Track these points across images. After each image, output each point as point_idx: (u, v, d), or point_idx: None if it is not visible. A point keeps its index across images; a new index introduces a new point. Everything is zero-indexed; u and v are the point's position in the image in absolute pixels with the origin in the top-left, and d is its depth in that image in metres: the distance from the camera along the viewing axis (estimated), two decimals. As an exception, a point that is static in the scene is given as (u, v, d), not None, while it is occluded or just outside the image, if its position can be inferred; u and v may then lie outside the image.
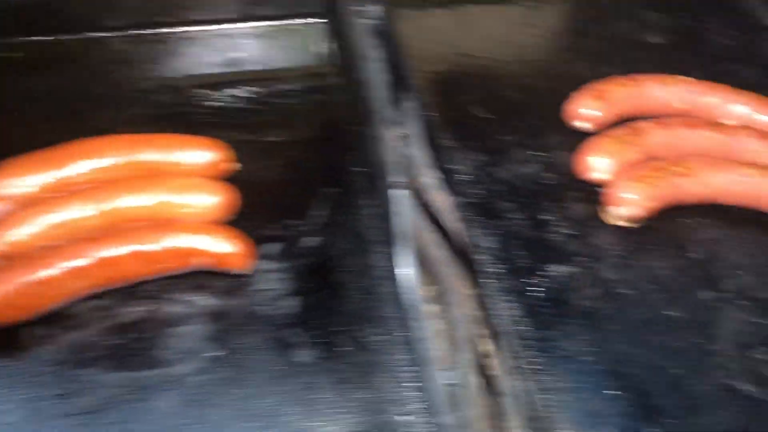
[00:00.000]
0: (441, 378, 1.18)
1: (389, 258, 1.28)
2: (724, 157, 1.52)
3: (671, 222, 1.47)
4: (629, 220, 1.44)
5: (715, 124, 1.53)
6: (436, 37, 1.81)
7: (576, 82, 1.72)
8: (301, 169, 1.48)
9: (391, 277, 1.26)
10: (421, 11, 1.88)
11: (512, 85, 1.72)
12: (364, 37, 1.84)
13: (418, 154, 1.59)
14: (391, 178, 1.35)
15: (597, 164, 1.47)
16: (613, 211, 1.44)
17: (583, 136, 1.59)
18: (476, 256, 1.37)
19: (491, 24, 1.88)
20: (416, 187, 1.49)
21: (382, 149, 1.42)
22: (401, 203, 1.33)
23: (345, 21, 1.70)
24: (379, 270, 1.28)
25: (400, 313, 1.22)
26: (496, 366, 1.27)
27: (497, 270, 1.35)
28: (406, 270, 1.27)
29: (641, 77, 1.61)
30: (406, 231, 1.30)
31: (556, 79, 1.73)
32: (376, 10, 1.87)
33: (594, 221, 1.46)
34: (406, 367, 1.16)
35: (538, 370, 1.22)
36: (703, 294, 1.36)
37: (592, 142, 1.50)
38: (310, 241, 1.33)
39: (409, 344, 1.19)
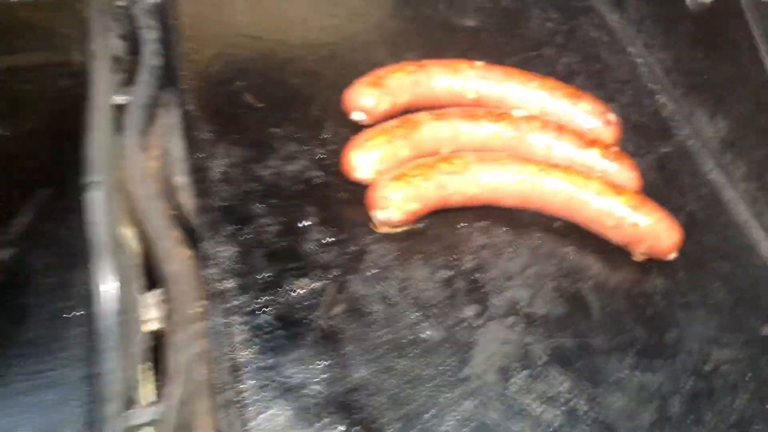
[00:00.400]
0: (133, 417, 1.00)
1: (91, 274, 1.09)
2: (512, 153, 1.38)
3: (444, 227, 1.33)
4: (392, 225, 1.28)
5: (502, 116, 1.38)
6: (221, 17, 1.61)
7: (369, 69, 1.56)
8: (17, 167, 1.28)
9: (88, 298, 1.06)
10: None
11: (296, 70, 1.53)
12: (141, 17, 1.63)
13: (175, 149, 1.40)
14: (93, 177, 1.15)
15: (360, 162, 1.30)
16: (375, 215, 1.28)
17: (361, 129, 1.44)
18: (207, 270, 1.19)
19: (288, 2, 1.69)
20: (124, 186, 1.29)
21: (93, 143, 1.22)
22: (100, 208, 1.13)
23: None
24: (75, 289, 1.09)
25: (91, 342, 1.03)
26: (211, 398, 1.10)
27: (227, 286, 1.17)
28: (106, 288, 1.08)
29: (429, 62, 1.45)
30: (106, 241, 1.11)
31: (349, 65, 1.55)
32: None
33: (358, 227, 1.30)
34: (83, 407, 0.98)
35: (253, 403, 1.05)
36: (467, 311, 1.22)
37: (358, 137, 1.34)
38: (2, 254, 1.13)
39: (93, 381, 1.00)
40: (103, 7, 1.54)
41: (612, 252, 1.32)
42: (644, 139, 1.53)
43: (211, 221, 1.27)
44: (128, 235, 1.32)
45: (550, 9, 1.78)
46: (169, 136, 1.45)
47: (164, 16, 1.59)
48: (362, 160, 1.30)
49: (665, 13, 1.63)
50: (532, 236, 1.32)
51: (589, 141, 1.37)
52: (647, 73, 1.66)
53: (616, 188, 1.29)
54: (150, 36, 1.60)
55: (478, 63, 1.45)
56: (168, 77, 1.50)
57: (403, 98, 1.42)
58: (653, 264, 1.32)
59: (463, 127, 1.35)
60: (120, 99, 1.47)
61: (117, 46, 1.57)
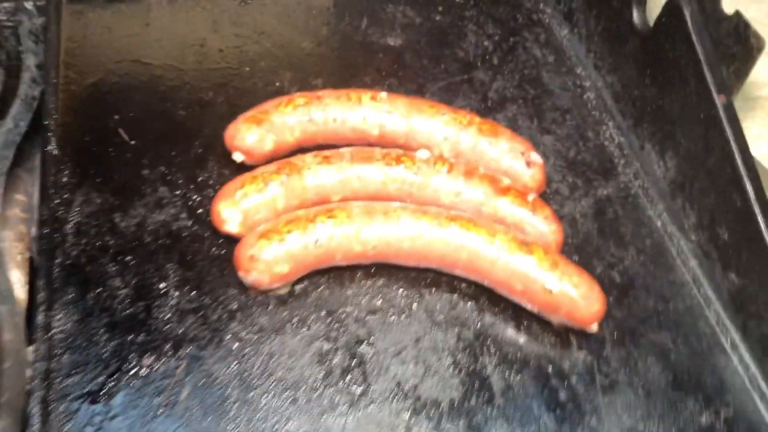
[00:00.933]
0: None
1: None
2: (412, 201, 1.18)
3: (329, 288, 1.12)
4: (262, 289, 1.10)
5: (402, 158, 1.17)
6: (109, 39, 1.43)
7: (267, 98, 1.37)
8: None
9: None
10: (99, 7, 1.50)
11: (184, 101, 1.35)
12: (25, 39, 1.47)
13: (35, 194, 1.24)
14: None
15: (228, 214, 1.12)
16: (242, 277, 1.09)
17: (244, 171, 1.25)
18: (37, 343, 1.02)
19: (187, 22, 1.51)
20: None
21: None
22: None
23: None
24: None
25: None
26: None
27: (58, 363, 1.00)
28: None
29: (326, 93, 1.25)
30: None
31: (244, 94, 1.37)
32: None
33: (225, 291, 1.11)
34: None
35: None
36: (343, 395, 1.02)
37: (229, 184, 1.15)
38: None
39: None
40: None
41: (526, 319, 1.12)
42: (582, 178, 1.32)
43: (50, 283, 1.10)
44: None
45: (489, 23, 1.56)
46: (33, 179, 1.30)
47: (46, 38, 1.43)
48: (231, 212, 1.11)
49: (614, 29, 1.41)
50: (432, 299, 1.13)
51: (503, 188, 1.16)
52: (593, 99, 1.44)
53: (528, 245, 1.09)
54: (30, 62, 1.44)
55: (383, 94, 1.25)
56: (40, 114, 1.34)
57: (292, 136, 1.23)
58: (575, 334, 1.12)
59: (355, 171, 1.16)
60: (-18, 135, 1.32)
61: (-8, 73, 1.42)
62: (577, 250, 1.21)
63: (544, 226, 1.14)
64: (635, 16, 1.31)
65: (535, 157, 1.22)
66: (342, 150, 1.19)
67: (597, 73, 1.45)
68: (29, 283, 1.33)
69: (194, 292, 1.11)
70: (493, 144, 1.22)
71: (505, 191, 1.16)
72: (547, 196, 1.27)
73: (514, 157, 1.21)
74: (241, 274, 1.08)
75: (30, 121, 1.39)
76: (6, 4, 1.53)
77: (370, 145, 1.26)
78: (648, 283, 1.19)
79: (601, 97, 1.43)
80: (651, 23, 1.29)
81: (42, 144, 1.25)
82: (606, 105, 1.42)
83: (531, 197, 1.16)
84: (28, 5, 1.53)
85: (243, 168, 1.25)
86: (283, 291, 1.11)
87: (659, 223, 1.26)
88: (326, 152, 1.19)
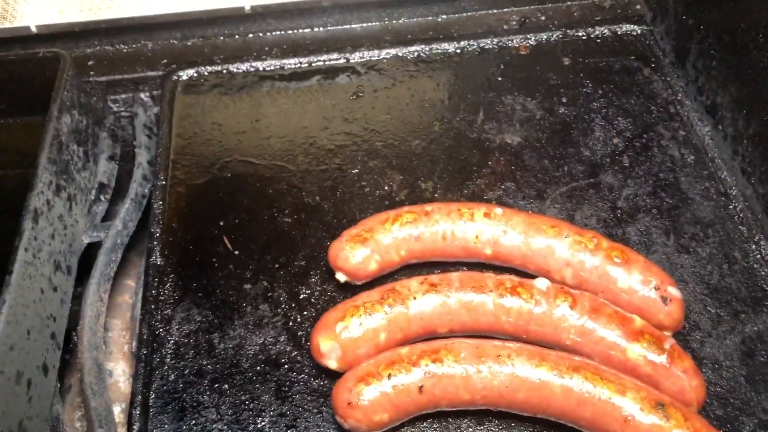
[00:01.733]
0: None
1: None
2: (527, 340, 1.06)
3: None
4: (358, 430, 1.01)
5: (518, 288, 1.06)
6: (219, 136, 1.41)
7: (375, 203, 1.31)
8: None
9: None
10: (211, 99, 1.48)
11: (290, 206, 1.29)
12: (139, 133, 1.47)
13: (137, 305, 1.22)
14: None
15: (327, 348, 1.04)
16: (340, 422, 1.01)
17: (351, 288, 1.18)
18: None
19: (296, 118, 1.47)
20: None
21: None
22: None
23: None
24: None
25: None
26: None
27: None
28: None
29: (435, 207, 1.16)
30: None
31: (352, 198, 1.30)
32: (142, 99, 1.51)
33: (320, 430, 1.04)
34: None
35: None
36: None
37: (329, 314, 1.08)
38: None
39: None
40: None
41: (660, 487, 0.97)
42: (727, 310, 1.14)
43: (145, 412, 1.07)
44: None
45: (620, 117, 1.41)
46: (137, 287, 1.28)
47: (159, 135, 1.42)
48: (330, 347, 1.04)
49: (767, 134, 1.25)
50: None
51: (635, 330, 1.02)
52: (741, 211, 1.26)
53: (664, 405, 0.93)
54: (143, 158, 1.45)
55: (497, 210, 1.14)
56: (148, 212, 1.33)
57: (398, 255, 1.14)
58: None
59: (464, 301, 1.06)
60: (92, 238, 1.33)
61: (106, 170, 1.43)
62: (721, 403, 1.05)
63: (683, 380, 0.99)
64: (796, 124, 1.14)
65: (674, 291, 1.07)
66: (451, 276, 1.09)
67: (745, 180, 1.28)
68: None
69: (290, 430, 1.04)
70: (624, 273, 1.08)
71: (638, 335, 1.01)
72: (685, 331, 1.12)
73: (648, 290, 1.07)
74: (338, 419, 1.00)
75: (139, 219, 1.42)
76: (123, 95, 1.56)
77: (483, 265, 1.17)
78: (809, 449, 1.01)
79: (751, 209, 1.25)
80: (815, 133, 1.12)
81: (146, 253, 1.24)
82: (757, 219, 1.24)
83: (668, 344, 1.01)
84: (144, 96, 1.56)
85: (346, 286, 1.18)
86: (384, 433, 1.03)
87: (823, 371, 1.08)
88: (433, 278, 1.09)
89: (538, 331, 1.06)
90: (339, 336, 1.04)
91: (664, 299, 1.06)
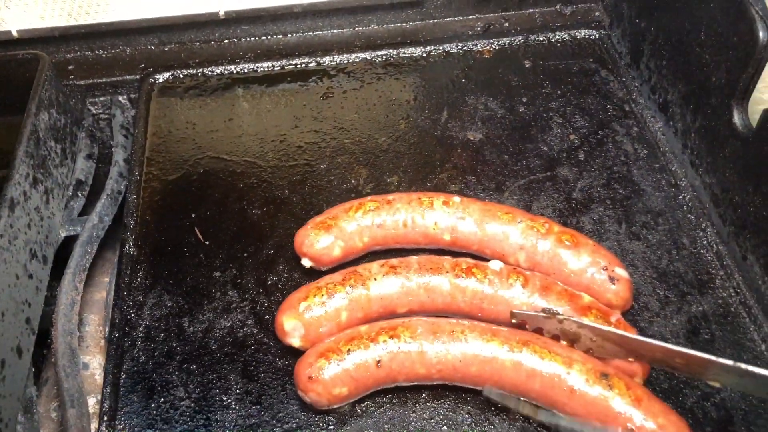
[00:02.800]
0: None
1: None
2: (481, 318, 1.11)
3: (392, 407, 1.08)
4: (322, 407, 1.05)
5: (473, 269, 1.11)
6: (193, 134, 1.46)
7: (341, 196, 1.36)
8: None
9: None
10: (186, 100, 1.54)
11: (260, 199, 1.35)
12: (117, 133, 1.53)
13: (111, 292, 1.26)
14: None
15: (291, 327, 1.09)
16: (301, 395, 1.06)
17: (315, 274, 1.23)
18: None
19: (269, 118, 1.53)
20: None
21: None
22: None
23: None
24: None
25: None
26: None
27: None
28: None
29: (397, 197, 1.21)
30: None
31: (319, 191, 1.36)
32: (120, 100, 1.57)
33: (285, 406, 1.08)
34: None
35: None
36: None
37: (293, 295, 1.12)
38: None
39: None
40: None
41: (607, 455, 1.02)
42: (675, 292, 1.20)
43: (115, 391, 1.11)
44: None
45: (577, 115, 1.48)
46: (111, 277, 1.33)
47: (135, 133, 1.48)
48: (293, 325, 1.09)
49: (713, 127, 1.30)
50: (502, 428, 1.04)
51: (583, 306, 1.07)
52: (689, 201, 1.33)
53: (608, 376, 0.99)
54: (119, 156, 1.50)
55: (456, 198, 1.20)
56: (123, 206, 1.38)
57: (361, 242, 1.20)
58: (663, 476, 1.00)
59: (422, 282, 1.11)
60: (69, 231, 1.37)
61: (83, 168, 1.48)
62: (667, 378, 1.10)
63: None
64: (736, 117, 1.21)
65: (621, 272, 1.12)
66: (410, 259, 1.14)
67: (694, 172, 1.34)
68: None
69: (255, 406, 1.08)
70: (574, 255, 1.13)
71: (586, 310, 1.07)
72: (634, 311, 1.17)
73: (596, 271, 1.12)
74: (300, 393, 1.05)
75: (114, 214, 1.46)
76: (102, 98, 1.61)
77: (442, 251, 1.22)
78: (750, 420, 1.06)
79: (699, 198, 1.32)
80: (753, 125, 1.18)
81: (120, 243, 1.29)
82: (704, 208, 1.30)
83: (615, 318, 1.07)
84: (122, 98, 1.61)
85: (312, 272, 1.23)
86: (345, 406, 1.07)
87: (764, 347, 1.13)
88: (393, 261, 1.14)
89: (492, 309, 1.11)
90: (302, 315, 1.09)
91: (611, 279, 1.12)
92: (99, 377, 1.38)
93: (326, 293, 1.10)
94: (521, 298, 1.10)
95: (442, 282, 1.11)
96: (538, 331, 1.07)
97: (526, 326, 1.07)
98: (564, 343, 1.05)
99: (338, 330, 1.10)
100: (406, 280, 1.11)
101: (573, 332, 1.04)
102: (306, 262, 1.20)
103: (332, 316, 1.09)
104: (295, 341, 1.09)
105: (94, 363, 1.39)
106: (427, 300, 1.11)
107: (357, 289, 1.11)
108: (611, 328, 1.03)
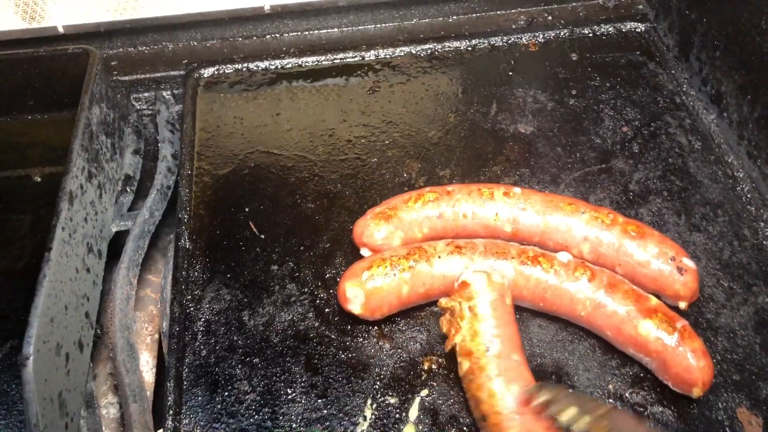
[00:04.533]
0: None
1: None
2: (545, 305, 1.10)
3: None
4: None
5: (539, 258, 1.10)
6: (241, 129, 1.45)
7: (395, 189, 1.34)
8: None
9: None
10: (233, 96, 1.54)
11: (313, 193, 1.34)
12: (162, 129, 1.52)
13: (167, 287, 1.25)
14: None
15: (351, 293, 1.09)
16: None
17: (374, 268, 1.21)
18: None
19: (317, 112, 1.52)
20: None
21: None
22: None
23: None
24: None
25: None
26: None
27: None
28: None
29: (457, 188, 1.20)
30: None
31: (372, 185, 1.35)
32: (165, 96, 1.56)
33: (352, 398, 1.07)
34: None
35: None
36: None
37: (358, 263, 1.12)
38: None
39: None
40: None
41: None
42: (740, 283, 1.18)
43: (179, 385, 1.10)
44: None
45: (627, 107, 1.47)
46: (166, 271, 1.32)
47: (182, 129, 1.47)
48: (355, 293, 1.09)
49: (773, 117, 1.30)
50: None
51: (649, 308, 1.04)
52: (748, 192, 1.31)
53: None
54: (167, 151, 1.49)
55: (516, 189, 1.19)
56: (174, 201, 1.37)
57: (420, 233, 1.18)
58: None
59: (487, 264, 1.09)
60: (120, 226, 1.37)
61: (131, 163, 1.47)
62: (738, 369, 1.08)
63: (690, 360, 1.01)
64: (799, 104, 1.20)
65: (688, 262, 1.11)
66: (476, 241, 1.14)
67: (752, 163, 1.33)
68: (157, 367, 1.37)
69: (320, 399, 1.07)
70: (640, 246, 1.12)
71: (651, 312, 1.05)
72: (699, 303, 1.16)
73: (663, 261, 1.11)
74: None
75: (164, 210, 1.45)
76: (146, 94, 1.61)
77: (504, 243, 1.21)
78: (824, 412, 1.04)
79: (758, 189, 1.30)
80: (818, 113, 1.17)
81: (175, 237, 1.28)
82: (764, 199, 1.28)
83: (680, 324, 1.04)
84: (166, 94, 1.60)
85: (371, 265, 1.23)
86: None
87: (834, 339, 1.12)
88: (460, 241, 1.13)
89: (555, 299, 1.10)
90: (364, 284, 1.09)
91: (679, 270, 1.10)
92: (147, 374, 1.38)
93: (390, 265, 1.09)
94: (586, 292, 1.08)
95: (506, 267, 1.10)
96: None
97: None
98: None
99: (398, 302, 1.10)
100: (470, 261, 1.10)
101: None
102: (365, 252, 1.18)
103: (393, 289, 1.08)
104: (356, 308, 1.09)
105: (142, 360, 1.38)
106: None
107: (420, 265, 1.10)
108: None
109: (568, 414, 0.91)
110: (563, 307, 1.10)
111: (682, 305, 1.10)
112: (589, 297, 1.08)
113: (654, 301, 1.07)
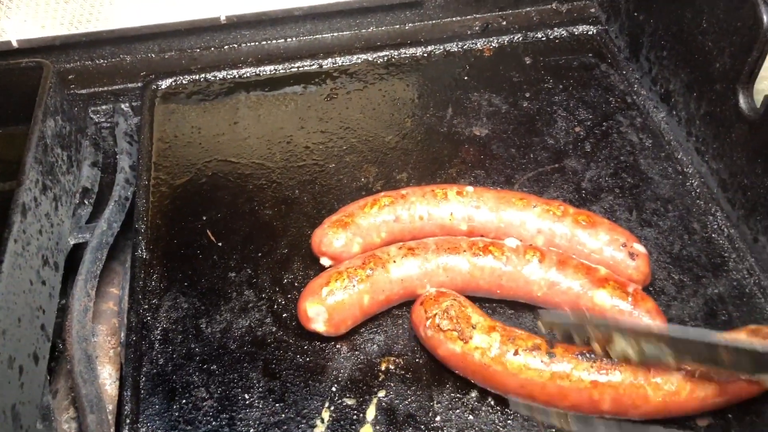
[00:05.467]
0: None
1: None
2: (502, 292, 1.13)
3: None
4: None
5: (489, 247, 1.12)
6: (199, 139, 1.46)
7: (353, 194, 1.36)
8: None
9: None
10: (190, 106, 1.54)
11: (270, 199, 1.34)
12: (121, 140, 1.52)
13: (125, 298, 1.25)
14: None
15: (313, 312, 1.09)
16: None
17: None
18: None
19: (275, 120, 1.53)
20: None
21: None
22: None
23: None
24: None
25: None
26: None
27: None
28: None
29: (411, 191, 1.22)
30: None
31: (330, 190, 1.36)
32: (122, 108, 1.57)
33: (309, 402, 1.07)
34: None
35: None
36: None
37: (314, 281, 1.12)
38: None
39: None
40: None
41: None
42: (690, 276, 1.21)
43: (136, 394, 1.09)
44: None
45: (580, 108, 1.49)
46: (124, 282, 1.31)
47: (140, 139, 1.47)
48: (317, 311, 1.08)
49: (717, 113, 1.32)
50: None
51: (600, 278, 1.08)
52: (697, 187, 1.34)
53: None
54: (124, 163, 1.49)
55: (469, 188, 1.21)
56: (132, 212, 1.37)
57: (379, 237, 1.19)
58: None
59: (441, 262, 1.11)
60: (78, 239, 1.36)
61: (89, 175, 1.47)
62: (689, 359, 1.11)
63: (647, 320, 1.05)
64: (741, 100, 1.23)
65: (639, 247, 1.14)
66: (427, 240, 1.15)
67: (700, 159, 1.36)
68: (120, 379, 1.36)
69: (278, 404, 1.07)
70: (591, 235, 1.15)
71: (603, 282, 1.08)
72: (651, 295, 1.17)
73: (615, 248, 1.13)
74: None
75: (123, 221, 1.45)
76: (104, 106, 1.61)
77: (460, 242, 1.23)
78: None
79: (707, 184, 1.33)
80: (758, 106, 1.20)
81: (132, 247, 1.28)
82: (712, 194, 1.32)
83: (631, 288, 1.08)
84: (125, 106, 1.61)
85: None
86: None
87: (780, 328, 1.15)
88: (411, 243, 1.15)
89: (511, 285, 1.12)
90: (325, 300, 1.09)
91: (631, 255, 1.13)
92: (110, 387, 1.36)
93: (347, 277, 1.09)
94: (538, 273, 1.11)
95: (460, 261, 1.12)
96: (569, 338, 1.03)
97: (556, 335, 1.04)
98: (597, 347, 1.01)
99: (361, 313, 1.11)
100: (425, 261, 1.12)
101: (606, 335, 0.99)
102: (325, 261, 1.19)
103: (355, 300, 1.09)
104: (320, 326, 1.09)
105: (104, 373, 1.37)
106: (446, 280, 1.12)
107: (377, 272, 1.11)
108: (647, 324, 1.03)
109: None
110: (520, 290, 1.12)
111: (631, 288, 1.12)
112: (543, 277, 1.11)
113: (603, 270, 1.11)
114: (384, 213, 1.20)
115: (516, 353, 0.99)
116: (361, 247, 1.19)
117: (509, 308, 1.17)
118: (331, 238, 1.18)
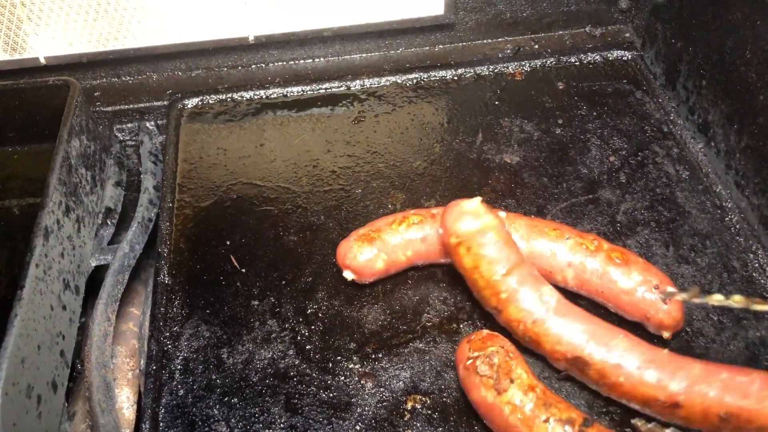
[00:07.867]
0: None
1: None
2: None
3: None
4: None
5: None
6: (224, 161, 1.44)
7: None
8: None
9: None
10: (216, 126, 1.52)
11: (295, 225, 1.32)
12: (145, 160, 1.50)
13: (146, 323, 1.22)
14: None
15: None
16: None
17: (356, 293, 1.20)
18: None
19: (300, 144, 1.50)
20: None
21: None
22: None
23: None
24: None
25: None
26: None
27: None
28: None
29: (441, 211, 1.18)
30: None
31: (356, 217, 1.33)
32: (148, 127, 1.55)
33: (331, 440, 1.04)
34: None
35: None
36: None
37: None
38: None
39: None
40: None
41: None
42: (730, 317, 1.16)
43: (155, 426, 1.06)
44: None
45: (614, 137, 1.45)
46: (145, 307, 1.29)
47: (165, 160, 1.45)
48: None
49: (760, 147, 1.28)
50: None
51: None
52: (737, 223, 1.29)
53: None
54: (149, 183, 1.47)
55: (501, 213, 1.17)
56: (155, 233, 1.35)
57: (404, 255, 1.16)
58: None
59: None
60: (99, 260, 1.34)
61: (112, 195, 1.45)
62: (729, 406, 1.06)
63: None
64: (786, 134, 1.18)
65: (673, 291, 1.09)
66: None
67: (740, 194, 1.31)
68: (138, 403, 1.34)
69: (296, 446, 1.05)
70: (624, 274, 1.10)
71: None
72: (688, 336, 1.13)
73: (647, 289, 1.09)
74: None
75: (145, 243, 1.43)
76: (129, 124, 1.59)
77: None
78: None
79: (747, 220, 1.28)
80: (805, 143, 1.15)
81: (155, 272, 1.25)
82: (753, 230, 1.27)
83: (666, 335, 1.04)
84: (150, 125, 1.59)
85: (352, 296, 1.20)
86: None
87: (826, 373, 1.10)
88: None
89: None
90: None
91: (662, 299, 1.08)
92: (127, 411, 1.34)
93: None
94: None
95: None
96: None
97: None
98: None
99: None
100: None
101: None
102: (348, 275, 1.17)
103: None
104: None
105: (122, 396, 1.35)
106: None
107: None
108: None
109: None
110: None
111: (666, 335, 1.09)
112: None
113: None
114: (412, 231, 1.17)
115: (546, 420, 0.94)
116: (385, 264, 1.16)
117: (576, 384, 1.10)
118: (356, 252, 1.16)
